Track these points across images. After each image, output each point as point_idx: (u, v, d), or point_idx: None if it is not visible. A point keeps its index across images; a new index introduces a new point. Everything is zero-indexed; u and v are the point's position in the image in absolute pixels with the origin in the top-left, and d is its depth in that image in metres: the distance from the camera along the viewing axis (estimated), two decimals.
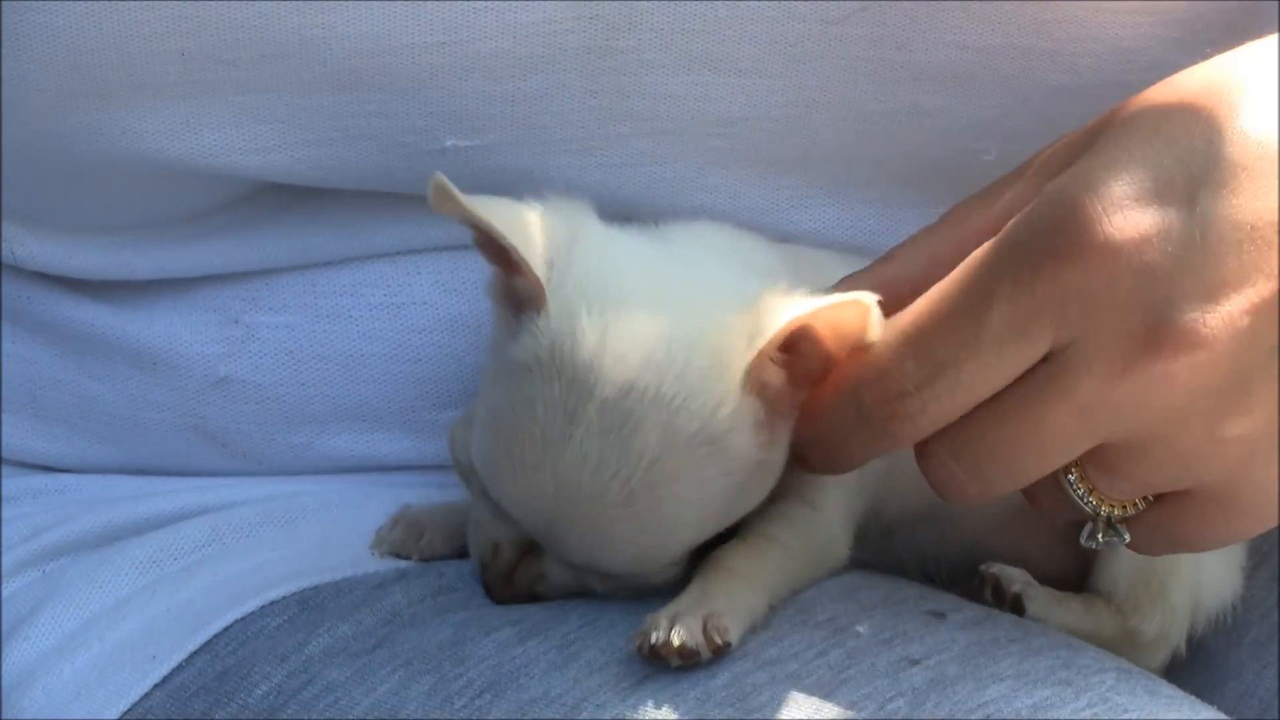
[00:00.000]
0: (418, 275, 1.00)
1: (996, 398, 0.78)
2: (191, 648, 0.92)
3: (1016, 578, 0.95)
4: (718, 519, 0.86)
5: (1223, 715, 0.83)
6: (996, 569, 0.95)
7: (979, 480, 0.80)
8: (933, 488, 0.82)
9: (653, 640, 0.82)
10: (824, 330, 0.81)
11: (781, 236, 1.00)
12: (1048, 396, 0.77)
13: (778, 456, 0.86)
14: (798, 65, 0.93)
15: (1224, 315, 0.75)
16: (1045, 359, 0.77)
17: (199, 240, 0.99)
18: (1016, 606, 0.94)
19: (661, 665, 0.82)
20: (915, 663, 0.82)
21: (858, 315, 0.80)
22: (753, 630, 0.85)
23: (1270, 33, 0.85)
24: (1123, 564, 0.99)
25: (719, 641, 0.82)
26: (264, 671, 0.90)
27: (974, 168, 1.00)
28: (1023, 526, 1.00)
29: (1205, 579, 1.00)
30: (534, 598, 0.90)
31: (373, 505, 0.98)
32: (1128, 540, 0.82)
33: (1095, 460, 0.79)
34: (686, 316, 0.83)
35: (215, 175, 0.95)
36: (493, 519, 0.88)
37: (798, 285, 0.85)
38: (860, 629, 0.85)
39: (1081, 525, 0.83)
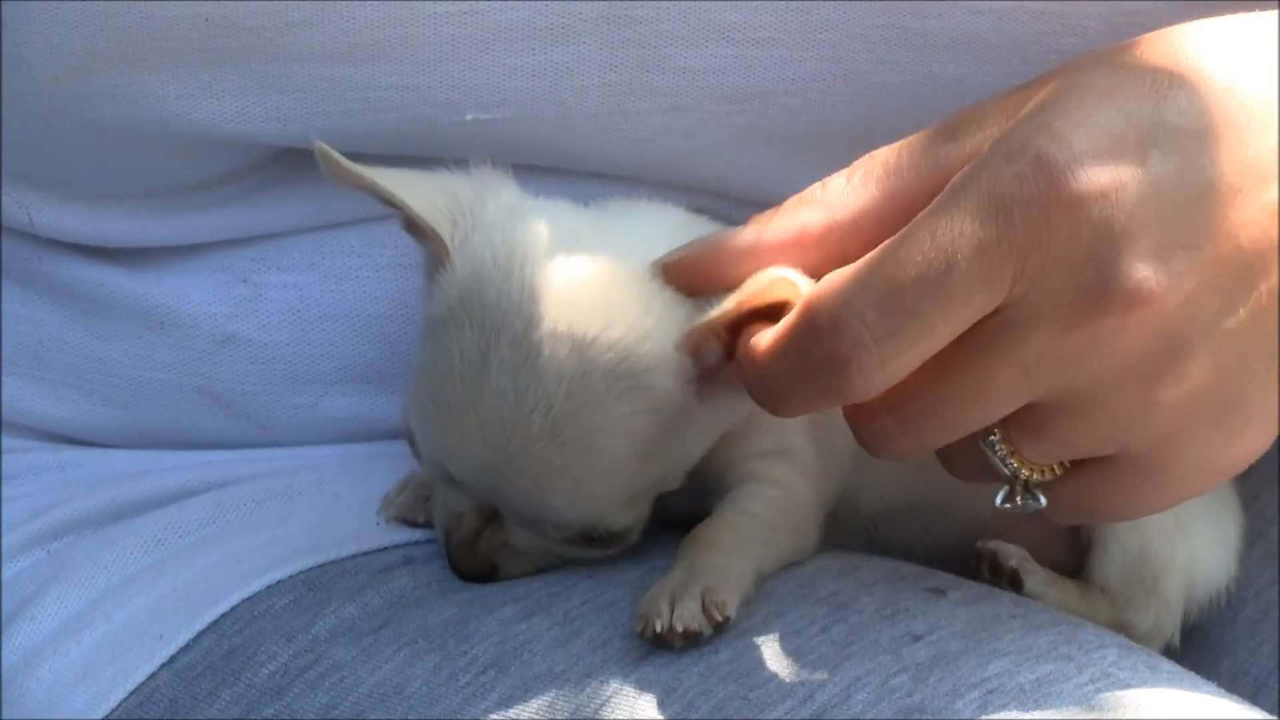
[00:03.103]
0: None
1: (940, 354, 0.77)
2: (198, 627, 0.93)
3: (1014, 553, 0.96)
4: (651, 460, 0.86)
5: (1220, 690, 0.83)
6: (994, 545, 0.96)
7: (911, 434, 0.79)
8: (859, 441, 0.80)
9: (657, 628, 0.82)
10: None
11: None
12: (997, 351, 0.76)
13: (717, 416, 0.87)
14: (814, 35, 0.94)
15: (1173, 274, 0.76)
16: (992, 314, 0.76)
17: (215, 206, 0.99)
18: (1014, 582, 0.95)
19: (665, 648, 0.83)
20: (918, 638, 0.82)
21: (785, 291, 0.80)
22: (746, 601, 0.85)
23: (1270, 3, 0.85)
24: (1116, 559, 0.99)
25: (719, 618, 0.83)
26: (270, 651, 0.90)
27: None
28: (1011, 519, 1.00)
29: (1199, 571, 1.01)
30: (495, 571, 0.90)
31: (375, 478, 0.99)
32: (1043, 505, 0.82)
33: (1022, 421, 0.79)
34: (602, 262, 0.85)
35: (235, 142, 0.95)
36: (447, 491, 0.89)
37: None
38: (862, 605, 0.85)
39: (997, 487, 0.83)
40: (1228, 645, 1.03)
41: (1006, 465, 0.81)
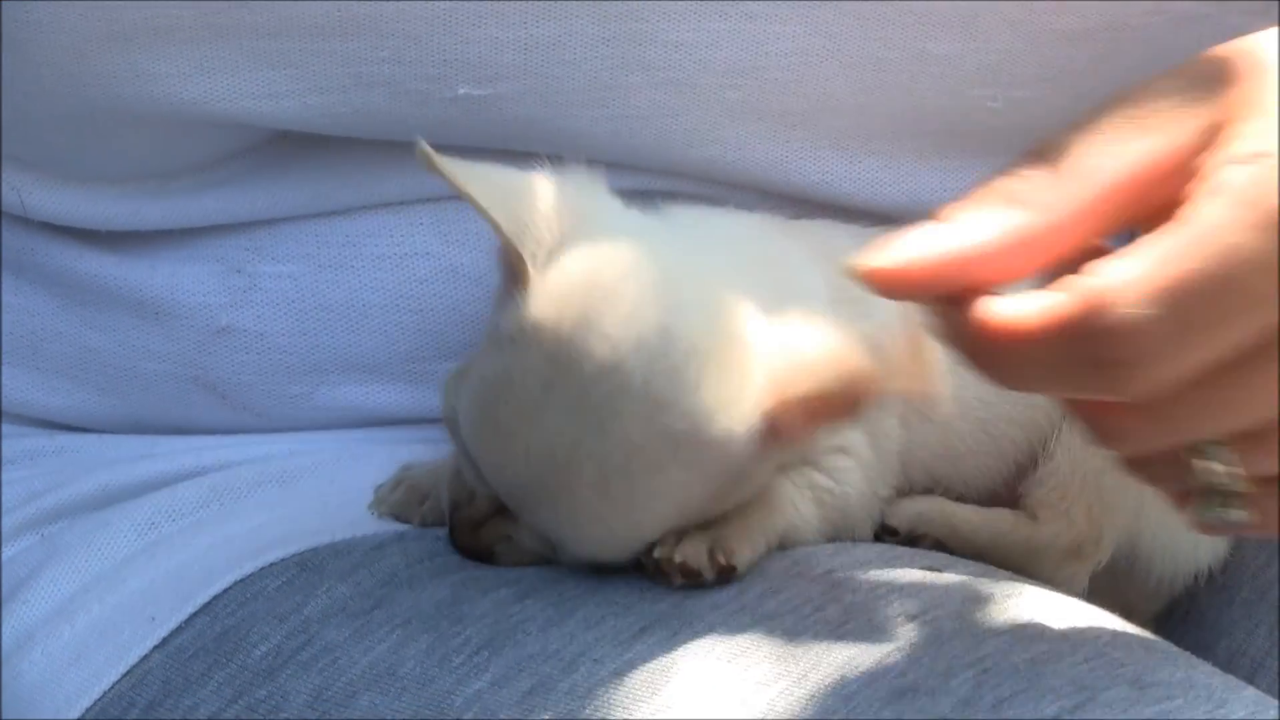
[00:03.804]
0: (420, 225, 1.00)
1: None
2: (190, 609, 0.92)
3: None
4: (692, 516, 0.85)
5: (1217, 670, 0.83)
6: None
7: (1151, 435, 0.73)
8: (1088, 429, 0.75)
9: (655, 554, 0.82)
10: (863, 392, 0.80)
11: (790, 189, 1.01)
12: (1270, 365, 0.71)
13: (766, 468, 0.86)
14: (807, 10, 0.93)
15: None
16: None
17: (208, 189, 0.99)
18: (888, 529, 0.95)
19: (664, 583, 0.83)
20: (912, 618, 0.82)
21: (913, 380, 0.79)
22: (756, 560, 0.86)
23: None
24: (1058, 471, 0.98)
25: (724, 562, 0.82)
26: (263, 632, 0.90)
27: (980, 118, 1.00)
28: (1014, 491, 1.00)
29: (1145, 526, 1.00)
30: (492, 557, 0.90)
31: (371, 464, 0.99)
32: (1250, 522, 0.75)
33: (1260, 435, 0.73)
34: (691, 313, 0.82)
35: (227, 121, 0.95)
36: (473, 476, 0.89)
37: (816, 281, 0.88)
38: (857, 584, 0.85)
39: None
40: (1225, 626, 1.03)
41: (1225, 478, 0.74)
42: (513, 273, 0.84)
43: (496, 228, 0.83)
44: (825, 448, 0.92)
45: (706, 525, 0.85)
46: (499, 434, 0.83)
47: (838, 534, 0.92)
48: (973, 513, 0.97)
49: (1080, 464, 0.98)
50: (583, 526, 0.84)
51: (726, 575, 0.83)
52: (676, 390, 0.81)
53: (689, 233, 0.91)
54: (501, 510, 0.88)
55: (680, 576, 0.82)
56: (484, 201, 0.82)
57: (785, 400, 0.81)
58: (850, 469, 0.92)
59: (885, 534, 0.94)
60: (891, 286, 0.75)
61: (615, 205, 0.88)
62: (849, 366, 0.81)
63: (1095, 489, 0.98)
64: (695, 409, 0.81)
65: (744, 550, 0.84)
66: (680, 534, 0.83)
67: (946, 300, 0.73)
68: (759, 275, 0.88)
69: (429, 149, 0.82)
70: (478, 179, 0.83)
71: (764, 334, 0.83)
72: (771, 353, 0.82)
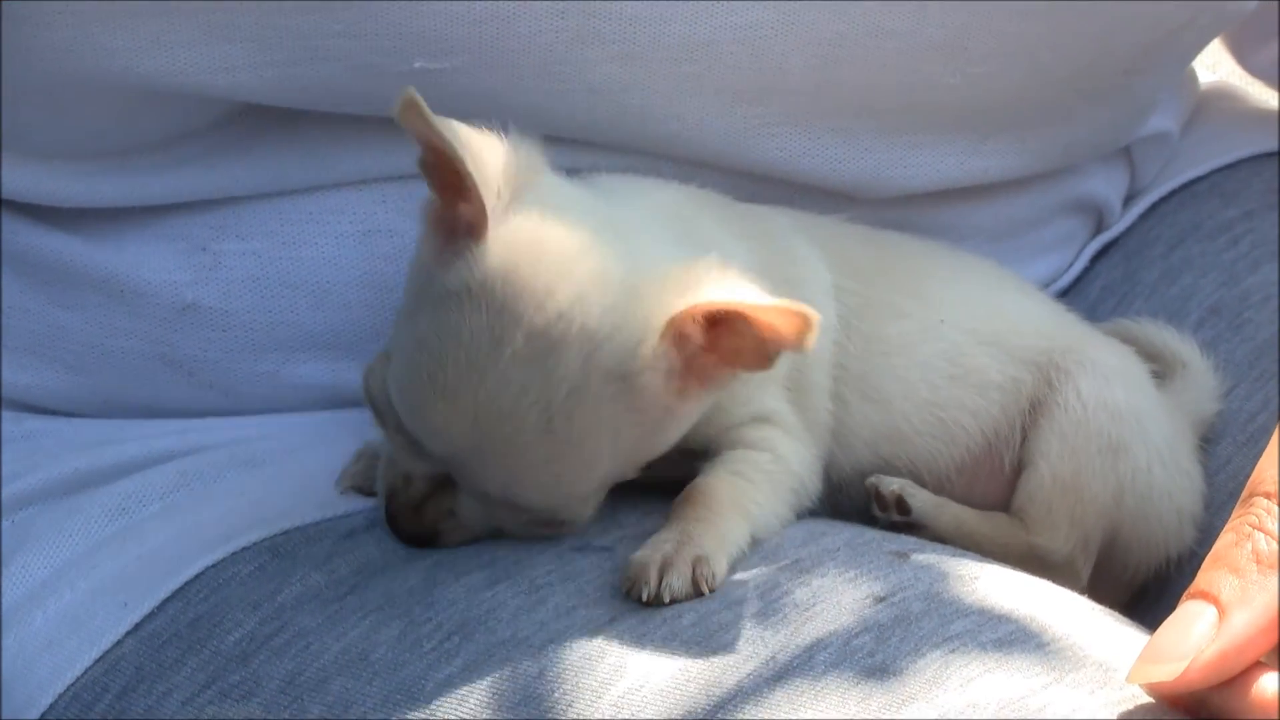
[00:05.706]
0: (384, 203, 1.00)
1: None
2: (163, 595, 0.92)
3: (894, 481, 0.96)
4: (628, 456, 0.87)
5: None
6: (874, 479, 0.96)
7: None
8: None
9: (644, 596, 0.83)
10: (759, 324, 0.81)
11: (748, 166, 1.01)
12: None
13: (688, 410, 0.87)
14: None
15: None
16: None
17: (169, 168, 0.99)
18: (902, 508, 0.96)
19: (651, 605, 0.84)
20: (881, 600, 0.82)
21: (796, 326, 0.80)
22: (734, 564, 0.86)
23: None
24: (1042, 483, 0.99)
25: (706, 590, 0.84)
26: (236, 618, 0.90)
27: (938, 93, 1.01)
28: (973, 479, 1.01)
29: (1127, 518, 1.01)
30: (436, 538, 0.90)
31: (339, 446, 0.99)
32: None
33: None
34: (621, 262, 0.85)
35: (185, 95, 0.95)
36: (407, 455, 0.89)
37: (742, 252, 0.89)
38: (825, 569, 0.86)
39: None
40: None
41: None
42: (460, 227, 0.85)
43: (469, 178, 0.83)
44: (744, 418, 0.93)
45: (683, 541, 0.86)
46: (444, 395, 0.84)
47: (799, 505, 0.93)
48: (975, 512, 0.99)
49: (1059, 468, 0.99)
50: (531, 477, 0.85)
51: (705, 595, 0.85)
52: (607, 329, 0.83)
53: (618, 198, 0.92)
54: (440, 487, 0.89)
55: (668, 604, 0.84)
56: (459, 151, 0.83)
57: (684, 311, 0.83)
58: (776, 436, 0.94)
59: (898, 514, 0.95)
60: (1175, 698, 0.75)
61: (554, 174, 0.89)
62: (739, 282, 0.83)
63: (1075, 490, 0.99)
64: (622, 344, 0.84)
65: (721, 568, 0.86)
66: (663, 564, 0.84)
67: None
68: (682, 238, 0.90)
69: (417, 95, 0.82)
70: (452, 129, 0.84)
71: (679, 271, 0.85)
72: (680, 279, 0.85)
